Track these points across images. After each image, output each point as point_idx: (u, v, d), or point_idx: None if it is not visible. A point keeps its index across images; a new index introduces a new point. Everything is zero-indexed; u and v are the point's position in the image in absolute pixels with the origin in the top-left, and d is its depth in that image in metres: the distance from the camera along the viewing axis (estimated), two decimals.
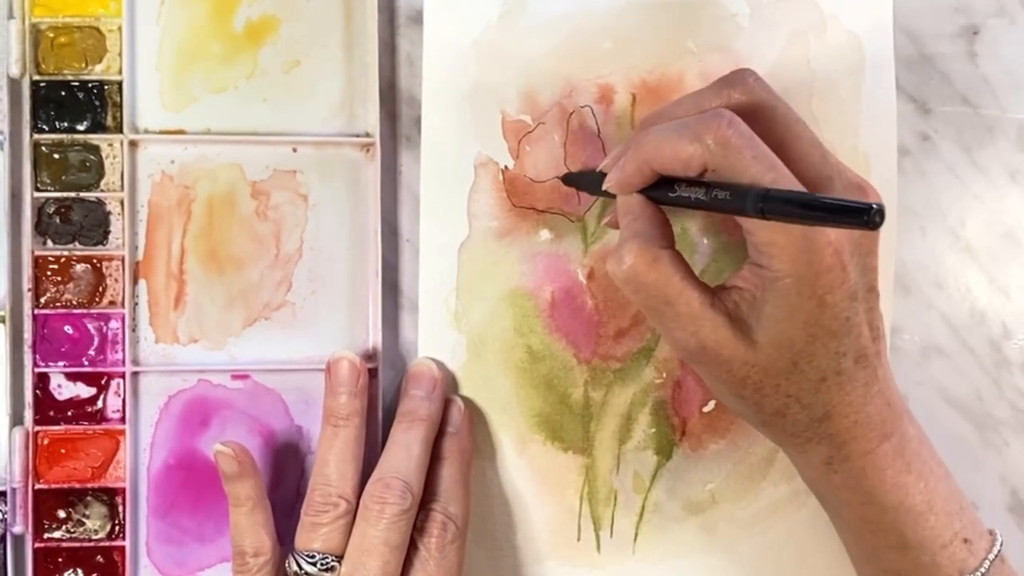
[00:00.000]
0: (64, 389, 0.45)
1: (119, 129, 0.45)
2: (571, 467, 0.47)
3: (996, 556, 0.40)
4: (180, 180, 0.45)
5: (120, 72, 0.44)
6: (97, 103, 0.45)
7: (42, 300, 0.44)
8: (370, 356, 0.45)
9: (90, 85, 0.44)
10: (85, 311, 0.45)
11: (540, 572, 0.47)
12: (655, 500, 0.47)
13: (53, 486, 0.45)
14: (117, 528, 0.45)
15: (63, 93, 0.44)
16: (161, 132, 0.45)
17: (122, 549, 0.45)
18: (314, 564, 0.41)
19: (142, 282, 0.45)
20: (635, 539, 0.47)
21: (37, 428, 0.44)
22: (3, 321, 0.44)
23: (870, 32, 0.47)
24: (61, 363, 0.45)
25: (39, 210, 0.44)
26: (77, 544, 0.45)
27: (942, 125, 0.48)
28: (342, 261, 0.46)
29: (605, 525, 0.47)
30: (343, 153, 0.46)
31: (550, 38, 0.46)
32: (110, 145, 0.45)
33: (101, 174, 0.45)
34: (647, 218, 0.39)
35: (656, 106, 0.45)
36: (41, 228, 0.44)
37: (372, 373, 0.45)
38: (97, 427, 0.45)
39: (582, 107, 0.46)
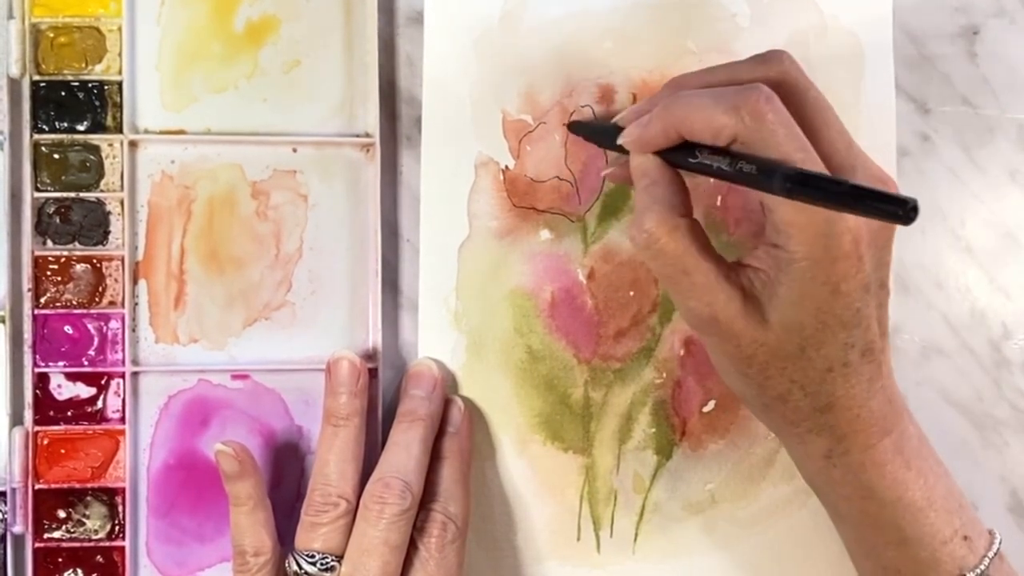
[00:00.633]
0: (64, 389, 0.45)
1: (119, 129, 0.45)
2: (571, 467, 0.47)
3: (995, 554, 0.40)
4: (180, 180, 0.45)
5: (120, 72, 0.44)
6: (97, 103, 0.44)
7: (42, 300, 0.44)
8: (370, 356, 0.45)
9: (90, 85, 0.44)
10: (85, 311, 0.45)
11: (540, 572, 0.47)
12: (655, 500, 0.47)
13: (53, 486, 0.44)
14: (117, 528, 0.45)
15: (63, 93, 0.44)
16: (161, 132, 0.45)
17: (122, 549, 0.45)
18: (314, 564, 0.41)
19: (142, 282, 0.45)
20: (635, 539, 0.47)
21: (37, 428, 0.44)
22: (3, 321, 0.44)
23: (870, 32, 0.47)
24: (61, 363, 0.45)
25: (39, 210, 0.44)
26: (77, 544, 0.45)
27: (942, 125, 0.48)
28: (342, 261, 0.46)
29: (605, 525, 0.47)
30: (343, 153, 0.46)
31: (551, 38, 0.46)
32: (110, 145, 0.45)
33: (101, 174, 0.45)
34: (667, 183, 0.38)
35: None
36: (41, 228, 0.44)
37: (372, 373, 0.45)
38: (97, 427, 0.45)
39: (583, 107, 0.46)
